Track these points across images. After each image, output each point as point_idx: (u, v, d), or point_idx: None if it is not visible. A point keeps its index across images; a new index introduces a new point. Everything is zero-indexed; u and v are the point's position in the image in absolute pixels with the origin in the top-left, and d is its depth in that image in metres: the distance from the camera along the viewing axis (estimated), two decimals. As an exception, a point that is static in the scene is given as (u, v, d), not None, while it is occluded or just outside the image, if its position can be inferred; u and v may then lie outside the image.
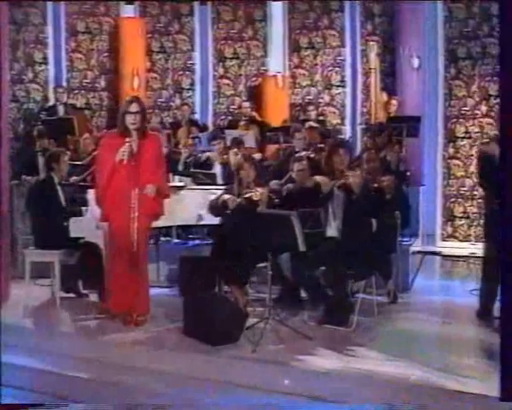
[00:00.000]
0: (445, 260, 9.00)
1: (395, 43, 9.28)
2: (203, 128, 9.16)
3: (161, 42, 9.98)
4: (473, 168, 9.58)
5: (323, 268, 4.56)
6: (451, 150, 9.62)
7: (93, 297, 5.64)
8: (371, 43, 8.31)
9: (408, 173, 6.73)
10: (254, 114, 9.05)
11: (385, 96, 8.63)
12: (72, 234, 5.20)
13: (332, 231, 4.58)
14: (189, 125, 8.89)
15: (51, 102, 9.12)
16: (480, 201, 9.69)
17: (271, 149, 8.03)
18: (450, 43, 9.55)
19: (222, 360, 3.96)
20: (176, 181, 5.39)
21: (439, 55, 9.50)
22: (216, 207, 5.01)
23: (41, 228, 5.53)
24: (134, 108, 4.70)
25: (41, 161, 7.53)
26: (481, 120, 9.53)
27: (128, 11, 9.80)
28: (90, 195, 5.10)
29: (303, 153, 5.99)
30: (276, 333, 4.35)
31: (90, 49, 9.81)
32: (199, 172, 6.06)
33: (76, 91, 9.64)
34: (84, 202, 5.58)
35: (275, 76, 9.56)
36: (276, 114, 9.36)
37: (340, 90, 9.82)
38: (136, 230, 4.60)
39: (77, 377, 3.97)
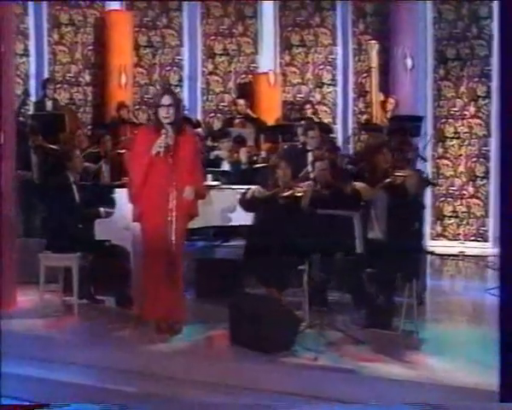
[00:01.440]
0: (435, 258, 9.07)
1: (388, 42, 9.27)
2: (196, 125, 8.90)
3: (149, 36, 9.66)
4: (462, 168, 9.75)
5: (369, 270, 4.47)
6: (440, 150, 9.72)
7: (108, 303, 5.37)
8: (372, 42, 8.27)
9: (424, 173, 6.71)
10: (249, 111, 8.87)
11: (381, 96, 8.61)
12: (98, 237, 4.89)
13: (375, 233, 4.48)
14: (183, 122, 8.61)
15: (34, 97, 8.70)
16: (468, 200, 9.89)
17: (274, 147, 7.88)
18: (440, 44, 9.67)
19: (283, 368, 3.78)
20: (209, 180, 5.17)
21: (428, 55, 9.60)
22: (246, 201, 4.84)
23: (56, 231, 5.19)
24: (166, 100, 4.44)
25: (34, 158, 7.16)
26: (470, 120, 9.67)
27: (114, 4, 9.44)
28: (119, 194, 4.82)
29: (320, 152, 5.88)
30: (327, 338, 4.21)
31: (74, 41, 9.41)
32: (216, 170, 5.85)
33: (59, 86, 9.20)
34: (102, 203, 5.30)
35: (267, 73, 9.40)
36: (269, 112, 9.21)
37: (332, 88, 9.77)
38: (174, 232, 4.37)
39: (124, 392, 3.74)
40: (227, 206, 5.07)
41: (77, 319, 4.94)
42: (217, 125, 9.62)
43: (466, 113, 9.55)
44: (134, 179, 4.42)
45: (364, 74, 9.72)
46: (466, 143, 9.58)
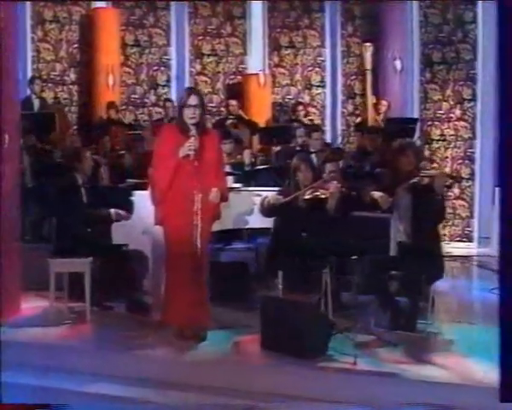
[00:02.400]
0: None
1: (377, 45, 9.32)
2: None
3: (136, 35, 9.44)
4: (448, 170, 9.87)
5: (393, 273, 4.45)
6: (427, 153, 9.83)
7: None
8: (367, 44, 8.29)
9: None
10: (242, 112, 8.77)
11: (374, 98, 8.65)
12: (115, 241, 4.72)
13: (399, 235, 4.45)
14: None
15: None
16: (454, 201, 10.02)
17: (268, 148, 7.82)
18: (426, 48, 9.78)
19: (323, 373, 3.72)
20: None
21: (414, 58, 9.70)
22: (265, 209, 4.76)
23: (64, 235, 4.99)
24: (193, 100, 4.30)
25: (26, 159, 6.90)
26: (456, 123, 9.81)
27: (100, 1, 9.21)
28: (137, 197, 4.66)
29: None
30: (354, 341, 4.16)
31: (59, 39, 9.13)
32: (229, 172, 5.73)
33: (43, 84, 8.90)
34: (112, 205, 5.14)
35: (257, 74, 9.33)
36: (259, 113, 9.14)
37: (320, 90, 9.76)
38: (200, 235, 4.25)
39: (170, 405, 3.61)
40: (244, 208, 4.97)
41: (91, 327, 4.74)
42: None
43: (452, 115, 9.68)
44: (159, 182, 4.27)
45: (353, 76, 9.78)
46: (452, 146, 9.71)
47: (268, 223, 5.08)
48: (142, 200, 4.61)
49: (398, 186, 4.63)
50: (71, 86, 9.20)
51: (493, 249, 6.92)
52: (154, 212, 4.35)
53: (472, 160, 9.65)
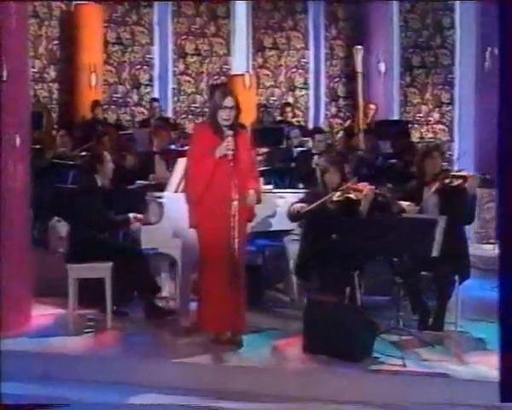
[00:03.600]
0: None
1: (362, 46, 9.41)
2: (175, 127, 8.61)
3: (118, 33, 9.22)
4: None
5: (424, 273, 4.48)
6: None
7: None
8: (358, 47, 8.34)
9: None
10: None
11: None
12: (144, 245, 4.54)
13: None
14: (160, 123, 8.30)
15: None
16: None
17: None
18: (406, 52, 9.96)
19: (375, 376, 3.69)
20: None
21: (395, 62, 9.85)
22: (293, 216, 4.71)
23: (82, 240, 4.77)
24: (229, 102, 4.19)
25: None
26: (434, 126, 10.04)
27: (82, -2, 8.93)
28: (167, 199, 4.50)
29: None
30: (393, 342, 4.17)
31: (38, 35, 8.79)
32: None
33: (22, 82, 8.53)
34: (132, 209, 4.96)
35: (242, 75, 9.25)
36: (245, 115, 9.01)
37: (304, 92, 9.79)
38: (237, 238, 4.15)
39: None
40: (268, 211, 4.89)
41: (116, 335, 4.54)
42: (189, 126, 9.34)
43: (430, 119, 9.90)
44: (195, 183, 4.14)
45: (336, 79, 9.85)
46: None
47: (291, 225, 5.04)
48: (172, 202, 4.46)
49: (424, 188, 4.69)
50: (51, 84, 8.89)
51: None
52: (189, 214, 4.22)
53: (450, 162, 9.89)
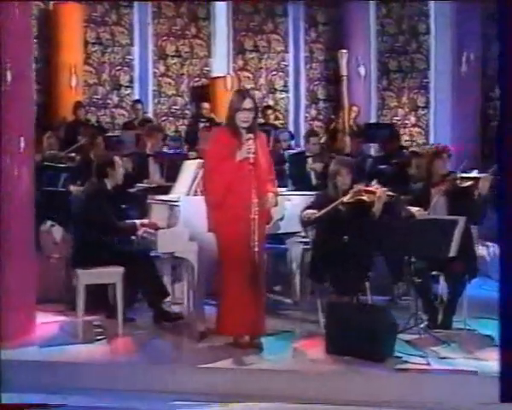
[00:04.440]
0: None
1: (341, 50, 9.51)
2: (159, 129, 8.49)
3: (97, 33, 9.04)
4: (403, 174, 10.27)
5: (434, 273, 4.57)
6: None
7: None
8: (343, 51, 8.41)
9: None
10: (213, 115, 8.63)
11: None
12: (161, 249, 4.45)
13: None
14: (143, 125, 8.17)
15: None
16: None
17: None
18: (383, 57, 10.13)
19: (404, 375, 3.73)
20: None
21: (372, 66, 10.01)
22: (305, 223, 4.71)
23: (90, 245, 4.66)
24: (248, 104, 4.17)
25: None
26: (411, 129, 10.24)
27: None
28: (184, 202, 4.42)
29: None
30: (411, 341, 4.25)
31: (16, 34, 8.52)
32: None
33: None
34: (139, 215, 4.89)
35: (224, 77, 9.23)
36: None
37: (284, 95, 9.83)
38: (257, 241, 4.13)
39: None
40: (278, 214, 4.87)
41: (130, 342, 4.45)
42: (169, 128, 9.26)
43: (407, 122, 10.10)
44: (216, 187, 4.10)
45: (316, 82, 9.94)
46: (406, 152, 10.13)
47: (296, 227, 5.05)
48: (188, 205, 4.40)
49: (432, 189, 4.78)
50: (28, 85, 8.62)
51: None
52: (208, 218, 4.18)
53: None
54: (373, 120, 9.82)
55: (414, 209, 4.62)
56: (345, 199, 4.66)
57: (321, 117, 9.83)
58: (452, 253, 4.09)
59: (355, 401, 3.60)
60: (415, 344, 4.22)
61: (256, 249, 4.11)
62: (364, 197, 4.59)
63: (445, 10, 9.66)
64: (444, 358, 4.04)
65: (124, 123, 8.56)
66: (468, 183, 4.55)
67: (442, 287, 4.73)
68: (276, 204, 4.32)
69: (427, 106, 10.07)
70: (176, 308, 5.06)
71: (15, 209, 4.57)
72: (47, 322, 4.86)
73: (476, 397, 3.60)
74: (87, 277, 4.56)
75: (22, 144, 4.59)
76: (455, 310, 4.60)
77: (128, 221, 4.88)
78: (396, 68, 10.11)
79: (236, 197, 4.11)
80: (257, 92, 9.72)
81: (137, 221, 4.86)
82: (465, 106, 9.29)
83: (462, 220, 3.98)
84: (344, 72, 8.66)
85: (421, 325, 4.29)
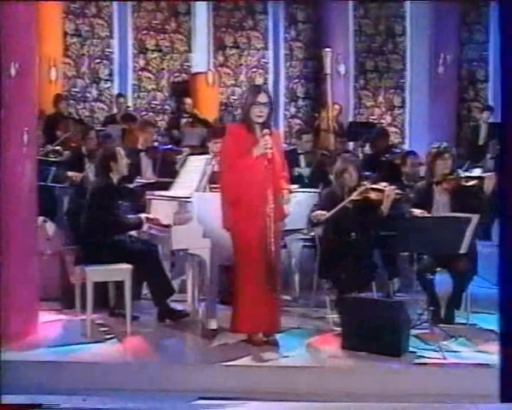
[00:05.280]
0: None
1: (320, 49, 9.58)
2: (152, 124, 8.36)
3: (76, 24, 8.83)
4: (379, 173, 10.43)
5: (438, 269, 4.67)
6: (361, 155, 10.31)
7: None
8: (327, 49, 8.47)
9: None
10: (196, 111, 8.56)
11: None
12: (175, 246, 4.38)
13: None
14: (126, 119, 8.05)
15: None
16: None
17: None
18: (360, 56, 10.26)
19: (422, 369, 3.81)
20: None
21: (350, 66, 10.12)
22: (315, 224, 4.74)
23: (96, 241, 4.54)
24: (263, 98, 4.14)
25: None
26: (387, 128, 10.42)
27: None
28: (197, 198, 4.36)
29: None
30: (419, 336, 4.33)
31: (-8, 23, 8.24)
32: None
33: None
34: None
35: (205, 73, 9.17)
36: (207, 113, 8.97)
37: (264, 92, 9.81)
38: (273, 238, 4.12)
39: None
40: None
41: (143, 340, 4.36)
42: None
43: (383, 121, 10.26)
44: (233, 184, 4.07)
45: (296, 80, 9.99)
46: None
47: (299, 224, 5.07)
48: (201, 202, 4.35)
49: (435, 188, 4.88)
50: (5, 76, 8.36)
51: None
52: (224, 215, 4.14)
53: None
54: (350, 119, 9.97)
55: (417, 212, 4.68)
56: (353, 197, 4.72)
57: (300, 115, 9.89)
58: (463, 250, 4.19)
59: (377, 394, 3.65)
60: (424, 339, 4.31)
61: (272, 246, 4.13)
62: (372, 195, 4.66)
63: (421, 13, 9.87)
64: (454, 351, 4.14)
65: (106, 117, 8.40)
66: (473, 182, 4.66)
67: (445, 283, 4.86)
68: (289, 201, 4.33)
69: (402, 106, 10.28)
70: (177, 306, 5.02)
71: (19, 205, 4.43)
72: (47, 321, 4.73)
73: (492, 389, 3.71)
74: (96, 274, 4.46)
75: (26, 139, 4.48)
76: (459, 305, 4.72)
77: (133, 216, 4.81)
78: (373, 68, 10.27)
79: (253, 193, 4.10)
80: (237, 89, 9.75)
81: (142, 215, 4.79)
82: (441, 107, 9.53)
83: (475, 218, 4.07)
84: (328, 70, 8.74)
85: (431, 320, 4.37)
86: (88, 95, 8.91)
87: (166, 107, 9.31)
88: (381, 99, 10.26)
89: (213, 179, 4.63)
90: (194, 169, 4.82)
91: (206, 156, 4.79)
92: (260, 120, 4.18)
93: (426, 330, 4.39)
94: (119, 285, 4.79)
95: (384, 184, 4.73)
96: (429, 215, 4.46)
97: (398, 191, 4.64)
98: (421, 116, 9.86)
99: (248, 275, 4.12)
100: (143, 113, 9.17)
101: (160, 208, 4.92)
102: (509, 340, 3.17)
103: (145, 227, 4.79)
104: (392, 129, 10.33)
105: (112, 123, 7.93)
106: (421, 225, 4.19)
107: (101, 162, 4.76)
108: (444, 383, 3.74)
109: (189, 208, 4.36)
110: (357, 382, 3.76)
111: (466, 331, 4.55)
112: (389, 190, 4.60)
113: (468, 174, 4.78)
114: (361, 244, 4.60)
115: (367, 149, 8.01)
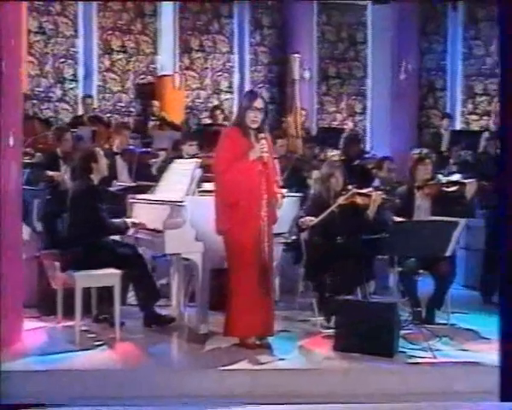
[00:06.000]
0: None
1: (284, 54, 9.70)
2: (127, 126, 8.24)
3: (40, 22, 8.61)
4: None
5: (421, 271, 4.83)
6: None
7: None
8: (295, 55, 8.57)
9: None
10: (164, 114, 8.49)
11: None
12: (169, 251, 4.32)
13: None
14: (94, 121, 7.92)
15: None
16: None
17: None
18: (322, 62, 10.43)
19: (416, 368, 3.92)
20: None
21: (313, 72, 10.27)
22: (304, 229, 4.80)
23: (81, 246, 4.44)
24: (259, 104, 4.18)
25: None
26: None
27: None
28: (190, 202, 4.33)
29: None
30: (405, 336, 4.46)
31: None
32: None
33: None
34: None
35: (172, 76, 9.11)
36: (174, 116, 8.92)
37: (229, 96, 9.85)
38: (267, 242, 4.16)
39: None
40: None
41: (133, 346, 4.29)
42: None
43: (345, 127, 10.44)
44: (230, 186, 4.09)
45: (260, 84, 10.04)
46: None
47: (283, 228, 5.11)
48: (194, 206, 4.33)
49: (416, 193, 5.04)
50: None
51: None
52: (219, 219, 4.14)
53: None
54: (313, 124, 10.12)
55: (399, 220, 4.81)
56: (340, 201, 4.81)
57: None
58: (449, 252, 4.35)
59: (375, 395, 3.73)
60: (409, 339, 4.42)
61: (266, 249, 4.17)
62: (359, 200, 4.77)
63: (382, 21, 10.11)
64: (440, 351, 4.26)
65: (73, 118, 8.22)
66: (455, 187, 4.84)
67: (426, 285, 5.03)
68: (281, 205, 4.39)
69: (364, 112, 10.51)
70: (161, 310, 4.98)
71: (6, 208, 4.29)
72: (29, 329, 4.58)
73: (479, 386, 3.86)
74: (85, 280, 4.37)
75: (11, 141, 4.36)
76: (440, 306, 4.90)
77: (118, 220, 4.75)
78: (335, 74, 10.46)
79: (250, 197, 4.14)
80: (202, 92, 9.73)
81: (128, 220, 4.74)
82: (402, 113, 9.80)
83: (463, 222, 4.23)
84: (296, 75, 8.89)
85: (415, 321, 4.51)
86: (52, 95, 8.70)
87: (132, 109, 9.19)
88: (343, 105, 10.46)
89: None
90: (182, 173, 4.80)
91: (195, 160, 4.78)
92: (254, 126, 4.23)
93: (410, 331, 4.55)
94: (102, 290, 4.75)
95: (369, 189, 4.86)
96: (421, 219, 4.61)
97: (384, 196, 4.77)
98: (383, 122, 10.10)
99: (243, 278, 4.15)
100: (108, 115, 9.02)
101: (145, 212, 4.87)
102: (508, 340, 3.30)
103: (131, 231, 4.75)
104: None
105: (79, 125, 7.77)
106: (412, 228, 4.32)
107: (81, 163, 4.65)
108: (438, 382, 3.87)
109: (183, 212, 4.35)
110: (354, 383, 3.84)
111: (447, 331, 4.73)
112: (376, 195, 4.72)
113: (448, 179, 4.94)
114: (348, 248, 4.70)
115: (334, 153, 8.13)
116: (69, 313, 4.61)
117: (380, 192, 4.76)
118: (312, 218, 4.74)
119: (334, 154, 7.58)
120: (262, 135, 4.17)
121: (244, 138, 4.21)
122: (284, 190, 4.85)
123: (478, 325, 4.91)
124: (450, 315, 4.93)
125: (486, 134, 7.78)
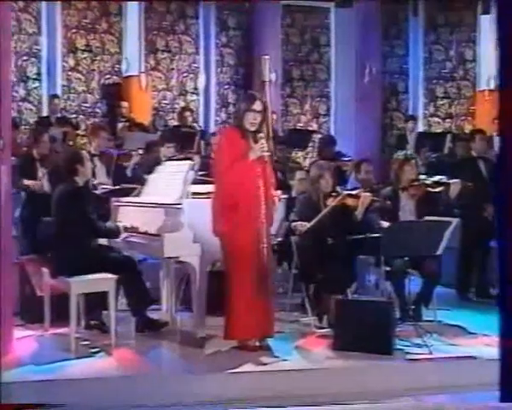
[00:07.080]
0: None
1: (250, 56, 9.71)
2: (76, 126, 8.04)
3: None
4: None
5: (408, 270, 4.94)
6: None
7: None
8: (265, 57, 8.54)
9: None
10: (133, 115, 8.35)
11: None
12: (167, 254, 4.24)
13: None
14: (62, 123, 7.72)
15: None
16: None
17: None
18: (286, 65, 10.49)
19: (417, 365, 4.01)
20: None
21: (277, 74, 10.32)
22: (298, 234, 4.82)
23: (71, 251, 4.32)
24: (258, 106, 4.21)
25: None
26: (313, 135, 10.72)
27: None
28: (188, 204, 4.26)
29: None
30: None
31: None
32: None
33: None
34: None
35: (138, 76, 8.97)
36: (140, 117, 8.78)
37: (195, 97, 9.78)
38: (266, 242, 4.16)
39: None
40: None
41: (132, 353, 4.23)
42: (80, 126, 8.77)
43: (310, 128, 10.56)
44: (230, 187, 4.08)
45: (226, 86, 10.01)
46: (309, 156, 10.59)
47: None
48: (191, 209, 4.28)
49: (401, 194, 5.15)
50: None
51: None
52: (217, 221, 4.11)
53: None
54: (279, 127, 10.17)
55: (385, 224, 4.90)
56: (332, 204, 4.86)
57: (230, 121, 9.92)
58: (440, 251, 4.47)
59: (380, 393, 3.81)
60: (402, 337, 4.52)
61: (265, 250, 4.18)
62: (349, 202, 4.84)
63: (346, 24, 10.28)
64: (432, 346, 4.38)
65: (39, 119, 7.98)
66: (440, 188, 4.98)
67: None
68: (278, 207, 4.41)
69: (328, 113, 10.64)
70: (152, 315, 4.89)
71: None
72: (18, 338, 4.42)
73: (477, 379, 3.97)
74: (80, 285, 4.26)
75: (1, 145, 4.21)
76: (428, 304, 5.02)
77: (109, 223, 4.65)
78: (299, 77, 10.55)
79: (250, 197, 4.15)
80: (168, 93, 9.62)
81: (120, 224, 4.64)
82: (366, 115, 9.97)
83: (455, 222, 4.36)
84: (266, 78, 8.87)
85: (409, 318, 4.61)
86: (15, 94, 8.39)
87: (97, 110, 9.00)
88: (307, 107, 10.56)
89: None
90: (172, 175, 4.74)
91: (188, 162, 4.74)
92: (253, 128, 4.25)
93: (401, 329, 4.64)
94: (92, 296, 4.63)
95: (359, 190, 4.94)
96: (416, 220, 4.72)
97: (373, 198, 4.85)
98: (347, 124, 10.26)
99: (242, 280, 4.15)
100: (74, 116, 8.79)
101: (135, 215, 4.79)
102: (508, 336, 3.42)
103: (124, 235, 4.66)
104: (318, 136, 10.67)
105: (46, 125, 7.55)
106: (407, 228, 4.42)
107: (66, 165, 4.53)
108: (437, 377, 3.97)
109: (180, 215, 4.30)
110: (358, 381, 3.91)
111: (435, 327, 4.85)
112: (364, 197, 4.81)
113: (433, 180, 5.07)
114: (338, 248, 4.76)
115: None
116: (57, 320, 4.52)
117: (368, 194, 4.84)
118: (305, 223, 4.77)
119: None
120: (261, 135, 4.19)
121: (243, 140, 4.22)
122: (279, 192, 4.89)
123: (461, 321, 5.08)
124: (436, 312, 5.07)
125: (449, 136, 8.06)
